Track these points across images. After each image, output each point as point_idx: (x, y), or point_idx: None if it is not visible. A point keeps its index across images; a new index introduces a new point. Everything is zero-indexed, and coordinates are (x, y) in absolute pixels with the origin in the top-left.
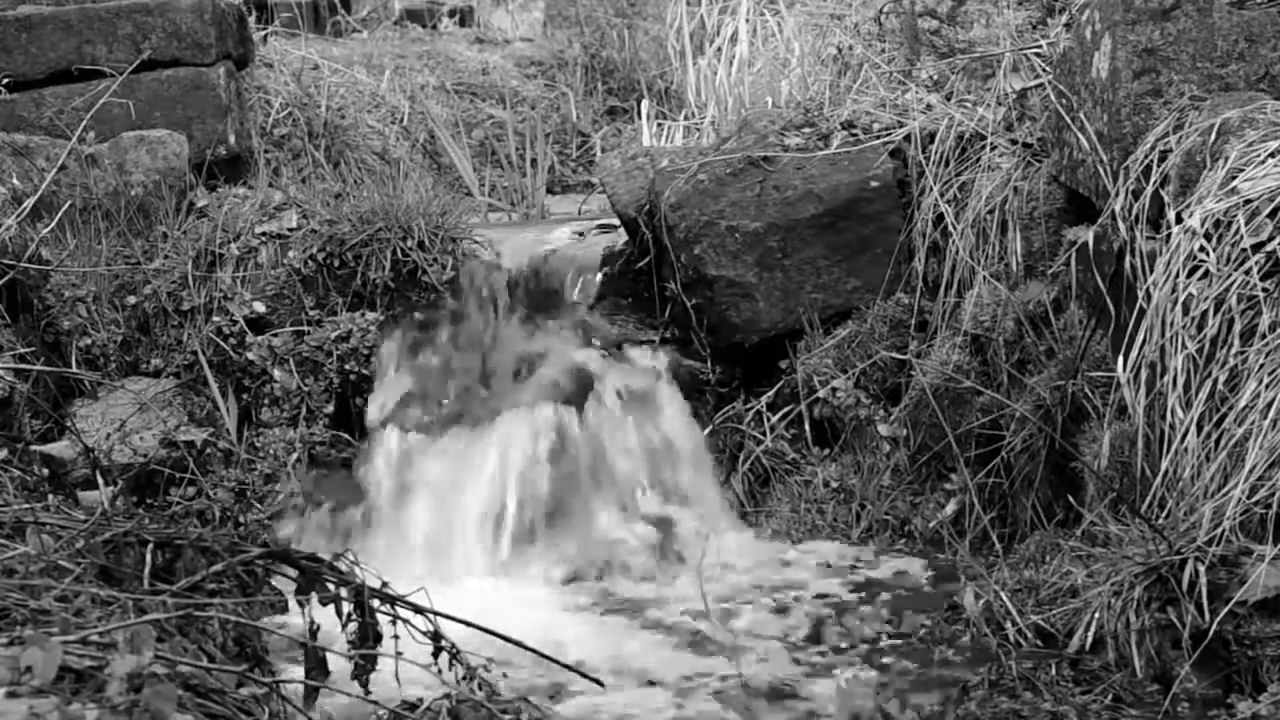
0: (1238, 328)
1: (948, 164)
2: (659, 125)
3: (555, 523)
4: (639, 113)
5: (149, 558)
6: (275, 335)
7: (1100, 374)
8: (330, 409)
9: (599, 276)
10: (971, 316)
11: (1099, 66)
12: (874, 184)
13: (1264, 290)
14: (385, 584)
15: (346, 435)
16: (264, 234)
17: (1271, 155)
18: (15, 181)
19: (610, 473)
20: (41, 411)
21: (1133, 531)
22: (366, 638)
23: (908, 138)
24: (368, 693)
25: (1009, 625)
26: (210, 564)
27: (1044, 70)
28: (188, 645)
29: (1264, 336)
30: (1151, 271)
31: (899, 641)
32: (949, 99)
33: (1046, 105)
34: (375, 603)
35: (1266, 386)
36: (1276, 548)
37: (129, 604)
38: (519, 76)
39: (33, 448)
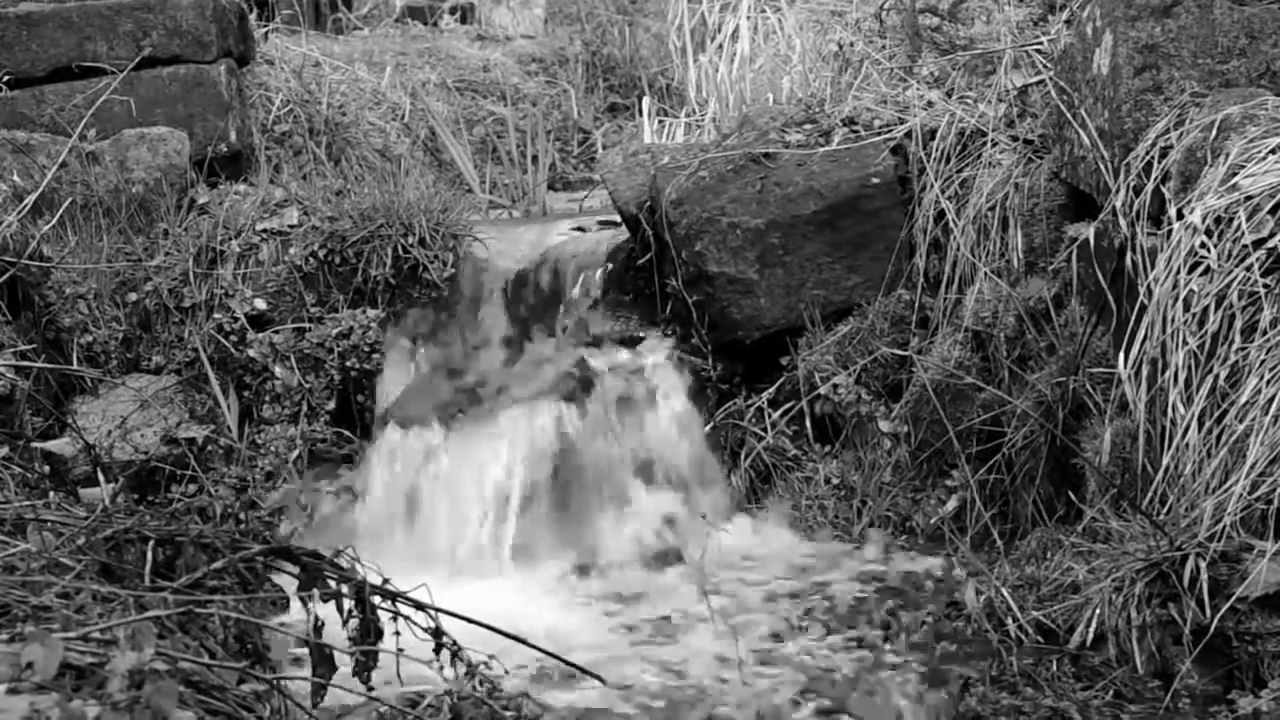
0: (1239, 324)
1: (949, 160)
2: (660, 122)
3: (557, 519)
4: (640, 109)
5: (150, 555)
6: (276, 332)
7: (1101, 370)
8: (331, 406)
9: (600, 273)
10: (972, 313)
11: (1100, 63)
12: (875, 180)
13: (1265, 286)
14: (386, 580)
15: (348, 432)
16: (265, 231)
17: (1272, 151)
18: (16, 179)
19: (612, 469)
20: (42, 408)
21: (1134, 527)
22: (368, 634)
23: (909, 134)
24: (369, 689)
25: (1010, 621)
26: (211, 561)
27: (1045, 67)
28: (189, 642)
29: (1265, 333)
30: (1152, 268)
31: (900, 638)
32: (950, 95)
33: (1047, 102)
34: (376, 599)
35: (1267, 383)
36: (1277, 544)
37: (130, 601)
38: (520, 73)
39: (34, 445)
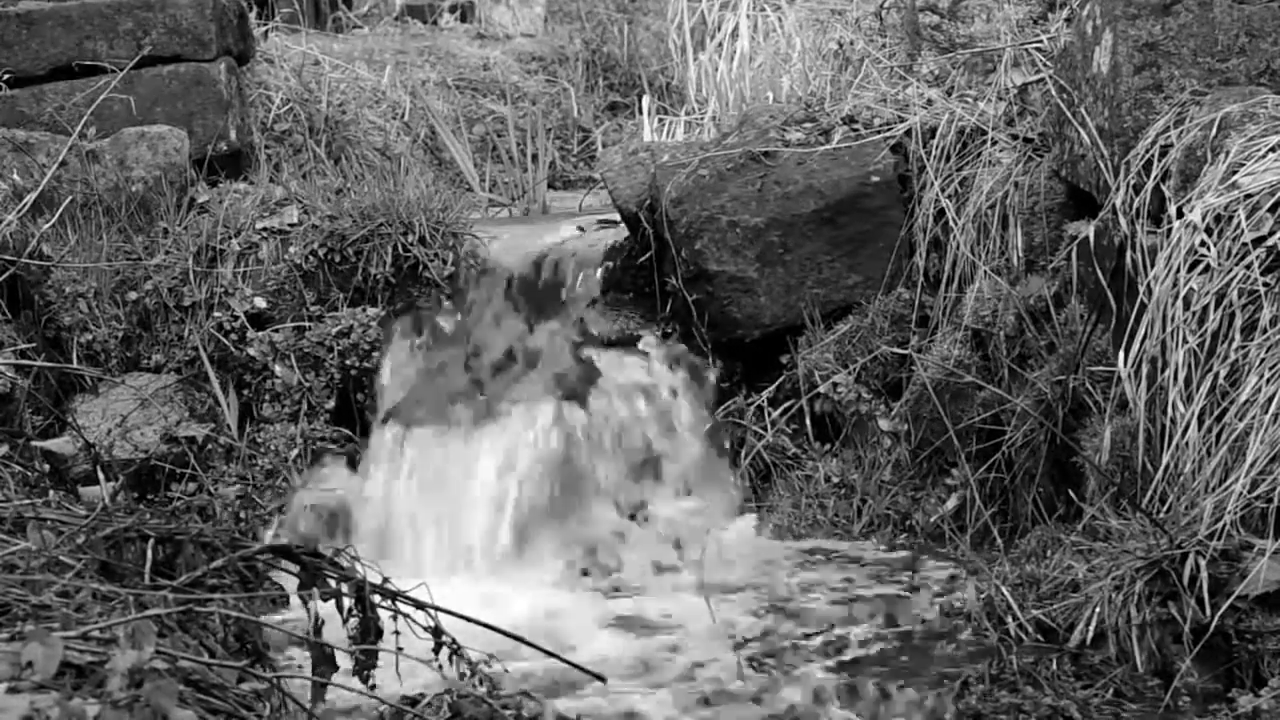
0: (1238, 322)
1: (948, 159)
2: (660, 120)
3: (556, 518)
4: (640, 108)
5: (150, 553)
6: (276, 331)
7: (1101, 369)
8: (331, 404)
9: (600, 272)
10: (972, 311)
11: (1100, 61)
12: (875, 179)
13: (1265, 285)
14: (386, 579)
15: (348, 431)
16: (265, 229)
17: (1272, 150)
18: (16, 177)
19: (611, 468)
20: (42, 407)
21: (1134, 526)
22: (368, 633)
23: (909, 133)
24: (370, 688)
25: (1010, 620)
26: (211, 559)
27: (1045, 65)
28: (189, 641)
29: (1265, 331)
30: (1152, 266)
31: (899, 636)
32: (950, 94)
33: (1047, 100)
34: (376, 598)
35: (1267, 381)
36: (1277, 542)
37: (130, 599)
38: (520, 72)
39: (34, 443)
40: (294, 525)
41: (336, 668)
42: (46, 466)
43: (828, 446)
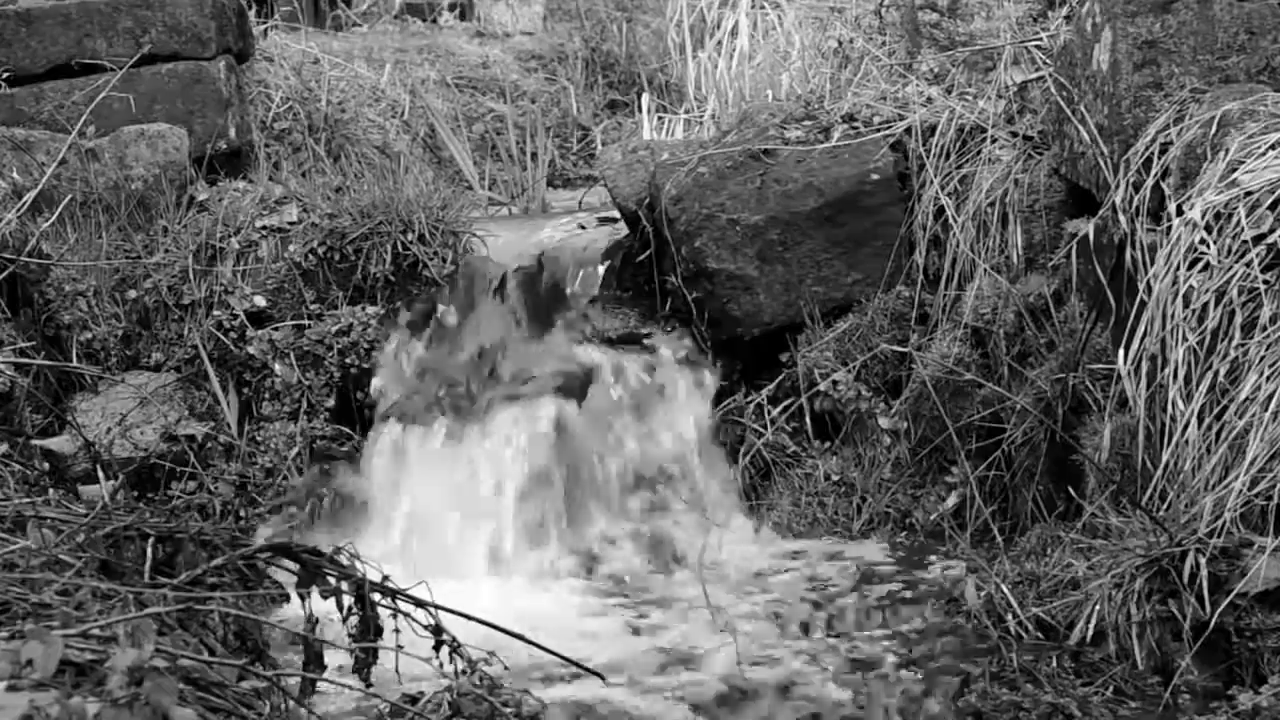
0: (1238, 320)
1: (948, 156)
2: (659, 119)
3: (556, 516)
4: (639, 106)
5: (150, 552)
6: (276, 329)
7: (1101, 366)
8: (331, 403)
9: (600, 270)
10: (972, 309)
11: (1100, 59)
12: (874, 177)
13: (1265, 282)
14: (386, 578)
15: (347, 429)
16: (264, 228)
17: (1272, 147)
18: (15, 176)
19: (611, 466)
20: (42, 406)
21: (1133, 524)
22: (367, 631)
23: (908, 130)
24: (369, 686)
25: (1010, 617)
26: (211, 558)
27: (1045, 63)
28: (189, 639)
29: (1265, 329)
30: (1152, 264)
31: (899, 634)
32: (949, 92)
33: (1047, 98)
34: (376, 596)
35: (1267, 379)
36: (1277, 539)
37: (130, 598)
38: (519, 70)
39: (33, 442)
40: (296, 524)
41: (325, 665)
42: (46, 465)
43: (827, 444)
